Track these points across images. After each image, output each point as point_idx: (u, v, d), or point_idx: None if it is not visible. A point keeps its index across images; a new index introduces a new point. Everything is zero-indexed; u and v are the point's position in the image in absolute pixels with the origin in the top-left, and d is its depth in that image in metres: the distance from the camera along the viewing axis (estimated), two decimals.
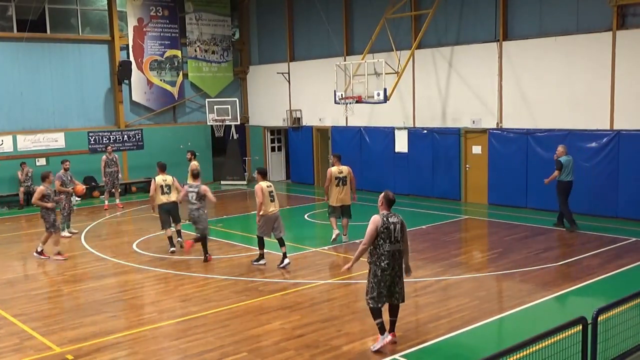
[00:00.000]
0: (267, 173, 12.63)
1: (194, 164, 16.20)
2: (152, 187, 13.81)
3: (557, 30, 16.91)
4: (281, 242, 12.26)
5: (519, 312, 9.44)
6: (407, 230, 8.22)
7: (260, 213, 12.10)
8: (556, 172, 14.74)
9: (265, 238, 12.41)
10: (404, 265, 8.22)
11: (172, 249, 13.65)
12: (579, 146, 16.40)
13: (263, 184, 12.12)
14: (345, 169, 14.10)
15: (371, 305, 8.10)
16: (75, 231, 16.02)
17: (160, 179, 13.76)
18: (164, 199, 13.70)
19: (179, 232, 14.11)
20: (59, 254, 13.42)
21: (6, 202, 20.72)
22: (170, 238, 13.76)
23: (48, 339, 8.84)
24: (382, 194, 8.25)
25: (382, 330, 8.16)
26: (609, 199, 16.07)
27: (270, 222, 12.17)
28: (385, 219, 8.01)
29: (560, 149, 15.02)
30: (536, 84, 17.34)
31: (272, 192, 12.15)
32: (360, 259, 8.27)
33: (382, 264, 7.98)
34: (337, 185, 13.95)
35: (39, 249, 13.58)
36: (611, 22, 15.72)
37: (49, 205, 13.27)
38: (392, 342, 8.22)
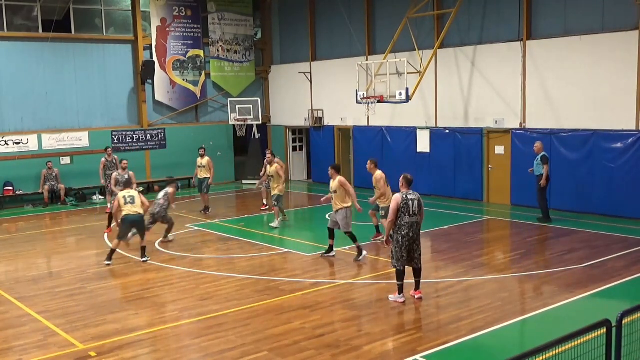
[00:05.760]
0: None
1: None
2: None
3: (582, 29, 16.71)
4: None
5: (541, 314, 9.35)
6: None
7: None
8: (546, 167, 15.45)
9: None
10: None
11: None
12: (604, 147, 16.21)
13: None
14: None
15: (397, 268, 9.76)
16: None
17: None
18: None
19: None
20: None
21: (31, 200, 21.01)
22: None
23: (71, 335, 8.95)
24: (402, 176, 9.81)
25: (400, 291, 9.83)
26: (634, 200, 15.84)
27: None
28: (404, 196, 9.62)
29: (539, 145, 15.95)
30: (560, 83, 17.15)
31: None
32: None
33: (403, 232, 9.60)
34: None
35: None
36: (637, 20, 15.49)
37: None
38: (419, 298, 9.90)
